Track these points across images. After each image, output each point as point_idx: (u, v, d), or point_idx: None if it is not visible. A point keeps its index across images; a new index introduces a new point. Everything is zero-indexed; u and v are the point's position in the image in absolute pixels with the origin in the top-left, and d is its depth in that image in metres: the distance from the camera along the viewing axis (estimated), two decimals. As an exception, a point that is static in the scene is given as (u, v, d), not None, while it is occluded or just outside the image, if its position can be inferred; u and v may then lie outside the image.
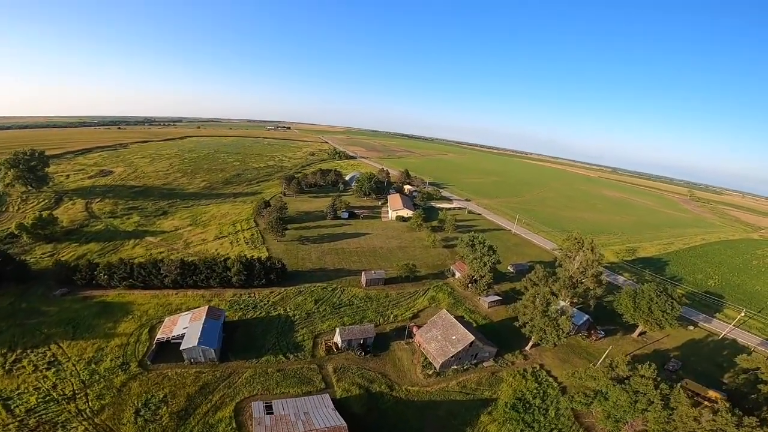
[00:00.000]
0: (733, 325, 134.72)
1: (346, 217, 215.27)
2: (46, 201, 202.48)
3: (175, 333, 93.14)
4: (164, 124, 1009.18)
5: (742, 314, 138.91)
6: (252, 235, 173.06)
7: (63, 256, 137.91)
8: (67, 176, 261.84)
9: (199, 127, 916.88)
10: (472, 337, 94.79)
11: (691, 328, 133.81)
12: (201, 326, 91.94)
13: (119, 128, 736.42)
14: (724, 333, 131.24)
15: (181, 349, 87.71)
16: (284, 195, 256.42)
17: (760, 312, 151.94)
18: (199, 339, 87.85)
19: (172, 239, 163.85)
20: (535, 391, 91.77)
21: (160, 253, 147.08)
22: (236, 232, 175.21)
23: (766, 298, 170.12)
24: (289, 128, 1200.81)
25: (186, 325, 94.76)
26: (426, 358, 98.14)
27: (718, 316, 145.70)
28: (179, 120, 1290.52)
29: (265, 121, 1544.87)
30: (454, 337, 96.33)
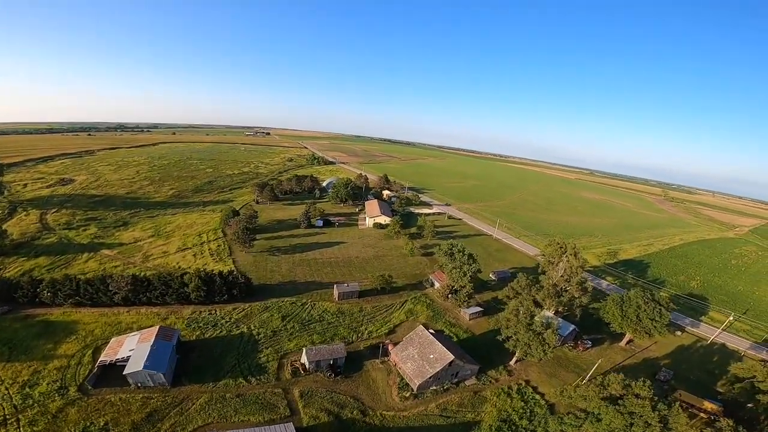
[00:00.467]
0: (722, 330, 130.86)
1: (321, 225, 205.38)
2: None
3: (120, 355, 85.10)
4: (138, 130, 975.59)
5: (731, 318, 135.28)
6: (218, 246, 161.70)
7: (8, 272, 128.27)
8: (25, 185, 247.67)
9: (174, 133, 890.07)
10: (451, 356, 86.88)
11: (679, 333, 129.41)
12: (149, 348, 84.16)
13: (89, 134, 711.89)
14: (712, 338, 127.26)
15: (124, 373, 79.48)
16: (257, 203, 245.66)
17: (745, 314, 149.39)
18: (145, 362, 79.97)
19: (130, 252, 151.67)
20: (521, 410, 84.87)
21: (116, 267, 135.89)
22: (201, 244, 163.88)
23: (749, 299, 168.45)
24: (268, 134, 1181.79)
25: (133, 347, 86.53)
26: (402, 378, 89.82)
27: (704, 320, 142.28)
28: (154, 126, 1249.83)
29: (246, 127, 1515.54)
30: (431, 356, 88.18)
